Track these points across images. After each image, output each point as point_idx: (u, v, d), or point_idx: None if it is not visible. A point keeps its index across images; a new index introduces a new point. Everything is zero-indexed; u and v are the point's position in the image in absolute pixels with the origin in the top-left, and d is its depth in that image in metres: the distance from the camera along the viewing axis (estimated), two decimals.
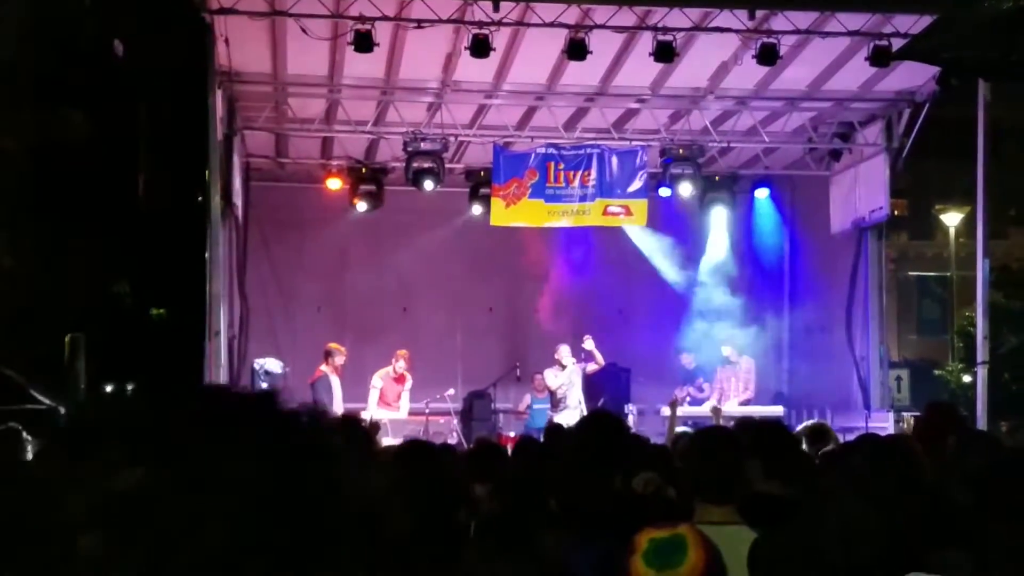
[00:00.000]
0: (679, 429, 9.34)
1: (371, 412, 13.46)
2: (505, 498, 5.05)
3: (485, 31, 12.15)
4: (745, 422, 7.71)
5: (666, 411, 14.18)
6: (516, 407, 15.45)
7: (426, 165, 14.55)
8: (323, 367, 13.85)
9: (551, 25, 12.21)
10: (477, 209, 15.46)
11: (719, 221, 16.40)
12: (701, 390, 14.92)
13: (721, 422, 10.72)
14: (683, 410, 14.19)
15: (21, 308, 17.81)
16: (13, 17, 16.75)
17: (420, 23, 12.07)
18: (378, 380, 14.17)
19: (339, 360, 13.92)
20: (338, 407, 13.61)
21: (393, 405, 14.07)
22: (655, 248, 16.75)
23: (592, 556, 3.49)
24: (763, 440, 4.97)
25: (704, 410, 13.95)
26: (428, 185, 14.63)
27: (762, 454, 4.91)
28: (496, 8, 11.96)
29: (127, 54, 18.26)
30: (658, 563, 2.57)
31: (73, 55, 17.81)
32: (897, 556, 2.47)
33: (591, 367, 14.54)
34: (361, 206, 15.38)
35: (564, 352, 14.44)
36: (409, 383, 14.21)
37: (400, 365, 14.08)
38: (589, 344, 14.57)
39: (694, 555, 2.62)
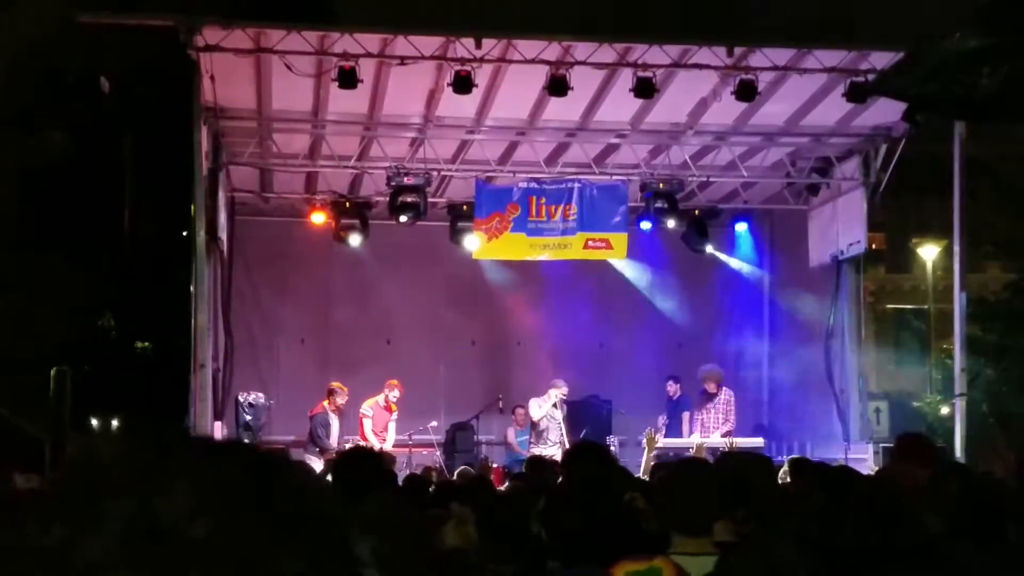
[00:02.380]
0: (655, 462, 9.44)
1: (372, 441, 13.53)
2: (494, 525, 5.14)
3: (467, 68, 12.33)
4: (727, 456, 7.83)
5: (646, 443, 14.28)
6: (502, 439, 15.51)
7: (409, 199, 14.68)
8: (324, 403, 13.95)
9: (532, 62, 12.40)
10: (460, 242, 15.59)
11: (698, 255, 16.55)
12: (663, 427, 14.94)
13: (704, 455, 10.81)
14: (663, 442, 14.29)
15: (5, 340, 17.79)
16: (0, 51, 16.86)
17: (403, 60, 12.25)
18: (368, 409, 14.25)
19: (340, 400, 14.05)
20: (333, 444, 13.68)
21: (380, 435, 14.14)
22: (636, 281, 16.91)
23: None
24: (741, 476, 5.06)
25: (684, 442, 14.04)
26: (410, 219, 14.76)
27: (739, 489, 5.01)
28: (478, 45, 12.16)
29: (113, 90, 18.37)
30: None
31: (60, 90, 17.91)
32: None
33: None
34: (345, 240, 15.49)
35: (560, 385, 14.43)
36: (395, 414, 14.30)
37: (394, 395, 14.17)
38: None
39: None
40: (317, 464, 12.62)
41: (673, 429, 14.90)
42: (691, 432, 14.68)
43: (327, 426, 13.88)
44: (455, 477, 10.46)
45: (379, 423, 14.20)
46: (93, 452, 0.83)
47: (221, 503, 0.79)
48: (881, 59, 12.82)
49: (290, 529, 0.80)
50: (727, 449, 12.73)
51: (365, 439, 13.75)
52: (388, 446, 13.92)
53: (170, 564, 0.76)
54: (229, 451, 0.85)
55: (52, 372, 12.57)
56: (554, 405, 14.37)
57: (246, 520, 0.79)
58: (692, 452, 12.23)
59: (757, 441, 14.47)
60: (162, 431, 0.87)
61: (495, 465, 13.91)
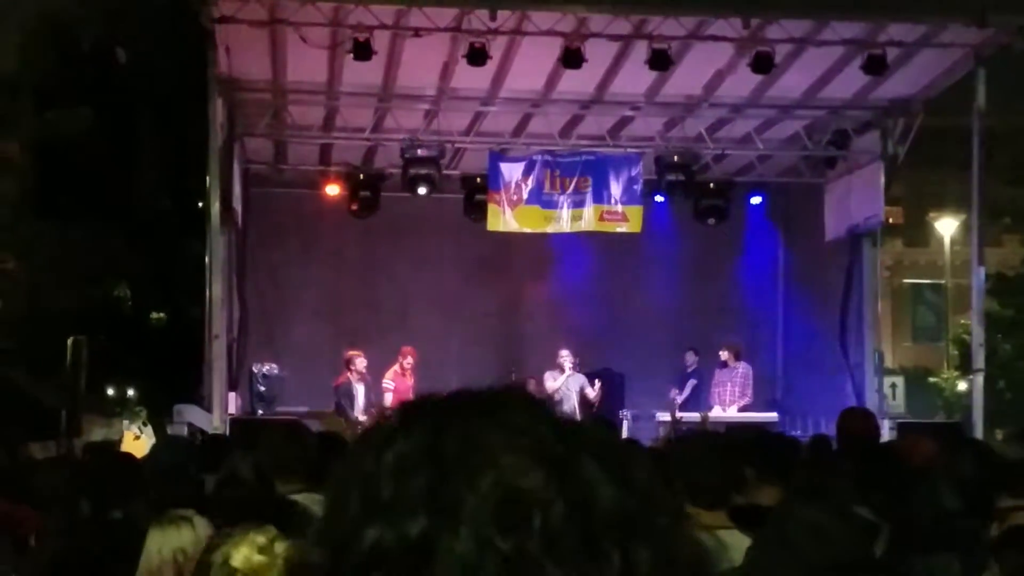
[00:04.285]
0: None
1: None
2: None
3: (482, 40, 12.26)
4: (740, 428, 7.85)
5: (662, 416, 14.30)
6: None
7: (423, 171, 14.65)
8: (347, 373, 13.99)
9: (547, 34, 12.31)
10: (474, 215, 15.56)
11: (713, 228, 16.47)
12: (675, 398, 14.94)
13: (711, 428, 10.81)
14: (680, 415, 14.30)
15: (22, 310, 17.89)
16: (17, 22, 16.86)
17: (418, 31, 12.18)
18: (389, 381, 14.29)
19: (360, 364, 14.08)
20: (359, 413, 13.72)
21: None
22: (650, 254, 16.85)
23: None
24: (760, 448, 5.05)
25: (698, 415, 14.06)
26: (424, 191, 14.74)
27: (758, 462, 4.99)
28: (493, 17, 12.08)
29: (129, 60, 18.37)
30: None
31: (75, 60, 17.92)
32: (867, 559, 2.56)
33: (590, 392, 14.51)
34: (359, 212, 15.48)
35: (565, 356, 14.50)
36: (412, 380, 14.34)
37: (408, 362, 14.21)
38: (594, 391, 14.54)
39: None
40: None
41: (688, 401, 14.90)
42: (709, 406, 14.67)
43: (351, 396, 13.91)
44: None
45: (401, 392, 14.25)
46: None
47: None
48: (899, 31, 12.70)
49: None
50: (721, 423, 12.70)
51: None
52: None
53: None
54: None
55: (69, 341, 12.66)
56: (563, 371, 14.39)
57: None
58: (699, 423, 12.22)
59: (771, 416, 14.45)
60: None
61: None
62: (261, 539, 2.81)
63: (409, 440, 0.79)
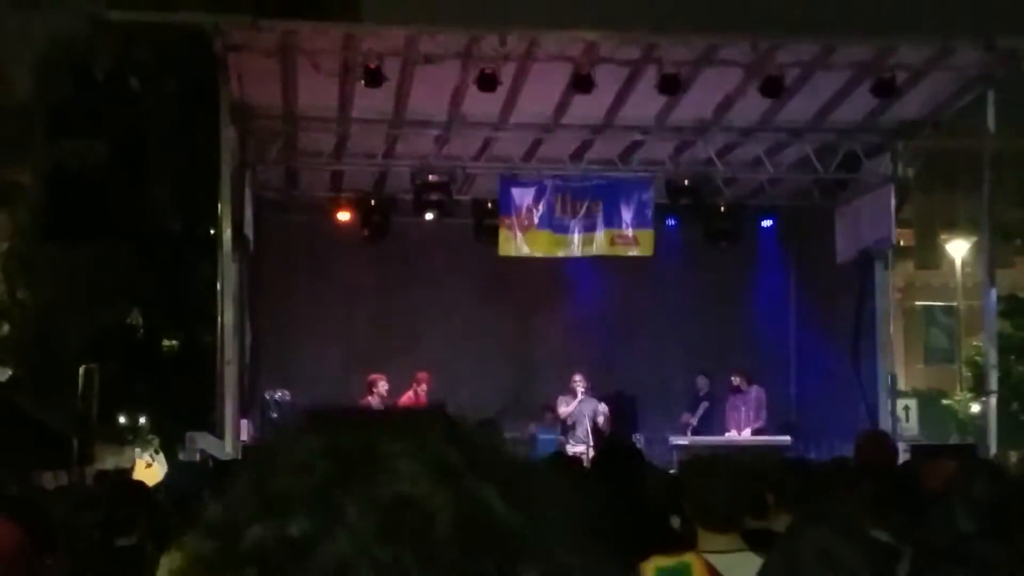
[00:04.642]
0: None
1: None
2: None
3: (492, 65, 12.32)
4: (754, 451, 7.83)
5: (675, 440, 14.26)
6: (522, 435, 15.51)
7: (434, 197, 14.69)
8: (368, 398, 14.01)
9: (557, 59, 12.37)
10: (485, 240, 15.58)
11: (724, 251, 16.46)
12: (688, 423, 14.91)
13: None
14: (693, 440, 14.26)
15: (34, 338, 17.93)
16: (31, 49, 16.99)
17: (428, 58, 12.25)
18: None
19: (382, 388, 14.12)
20: None
21: None
22: (661, 278, 16.84)
23: None
24: (781, 473, 5.04)
25: (714, 440, 14.02)
26: (435, 216, 14.78)
27: (778, 487, 4.98)
28: (503, 42, 12.15)
29: (142, 88, 18.48)
30: None
31: (89, 87, 18.03)
32: None
33: (601, 420, 14.52)
34: (370, 237, 15.52)
35: (578, 381, 14.48)
36: None
37: (422, 388, 14.24)
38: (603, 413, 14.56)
39: None
40: None
41: (701, 424, 14.87)
42: (724, 430, 14.64)
43: None
44: None
45: None
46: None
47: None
48: (907, 54, 12.73)
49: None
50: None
51: None
52: None
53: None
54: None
55: (80, 370, 12.69)
56: (576, 395, 14.37)
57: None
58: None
59: (784, 439, 14.40)
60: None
61: None
62: None
63: (306, 442, 0.80)
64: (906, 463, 6.90)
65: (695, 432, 14.67)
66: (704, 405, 15.16)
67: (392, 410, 0.86)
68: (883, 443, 6.22)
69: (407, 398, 14.36)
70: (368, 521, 0.75)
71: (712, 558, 3.55)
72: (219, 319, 13.31)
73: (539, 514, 0.78)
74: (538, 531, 0.77)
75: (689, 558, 2.86)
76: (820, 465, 7.01)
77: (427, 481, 0.76)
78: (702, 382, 15.32)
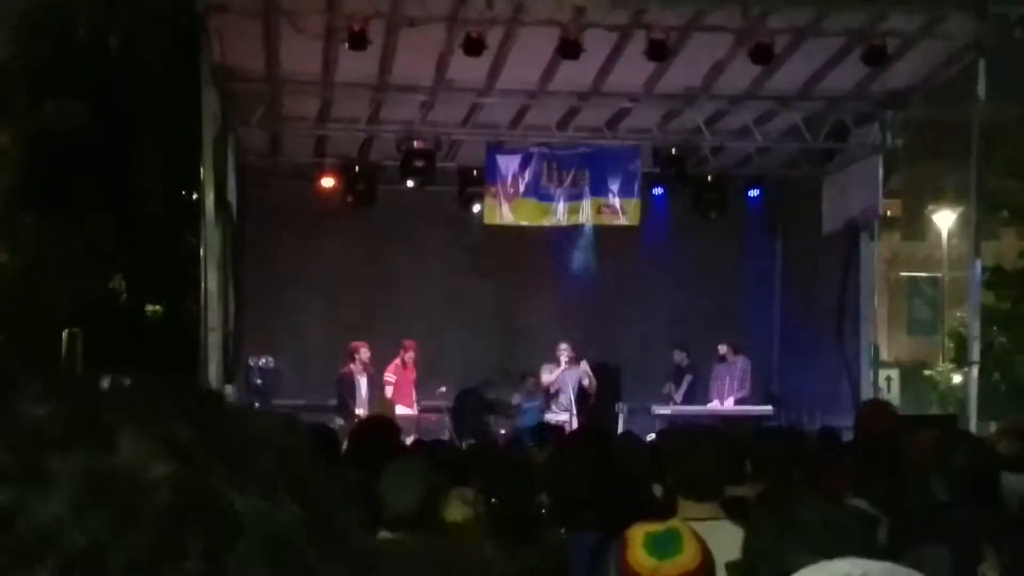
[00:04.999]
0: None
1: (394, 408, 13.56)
2: (499, 493, 5.10)
3: (478, 29, 12.19)
4: (736, 421, 7.83)
5: (657, 410, 14.28)
6: (507, 404, 15.51)
7: (419, 163, 14.60)
8: (351, 365, 13.97)
9: (544, 23, 12.25)
10: (470, 207, 15.50)
11: (711, 220, 16.42)
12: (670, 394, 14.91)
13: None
14: (674, 410, 14.29)
15: (16, 304, 17.82)
16: (10, 11, 16.76)
17: (413, 21, 12.11)
18: (390, 375, 14.28)
19: (364, 355, 14.06)
20: (361, 406, 13.68)
21: (407, 401, 14.17)
22: (647, 247, 16.80)
23: (584, 546, 3.55)
24: (759, 443, 5.04)
25: (694, 410, 14.04)
26: (420, 183, 14.69)
27: (756, 456, 4.97)
28: (489, 6, 12.00)
29: (122, 50, 18.27)
30: (659, 553, 2.64)
31: (67, 50, 17.82)
32: (876, 547, 2.53)
33: (586, 381, 14.51)
34: (355, 204, 15.42)
35: (563, 349, 14.46)
36: (415, 374, 14.35)
37: (409, 356, 14.21)
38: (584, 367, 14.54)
39: (691, 545, 2.69)
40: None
41: (685, 397, 14.89)
42: (708, 399, 14.67)
43: (353, 387, 13.89)
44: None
45: (403, 385, 14.25)
46: (26, 412, 0.78)
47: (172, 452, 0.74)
48: (899, 21, 12.64)
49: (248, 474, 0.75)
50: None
51: (389, 404, 13.75)
52: (415, 409, 14.07)
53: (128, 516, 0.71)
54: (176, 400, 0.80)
55: (64, 334, 12.61)
56: (560, 364, 14.35)
57: (201, 465, 0.74)
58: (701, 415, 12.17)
59: (766, 409, 14.43)
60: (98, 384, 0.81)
61: (502, 432, 13.92)
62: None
63: (42, 408, 0.77)
64: (889, 434, 6.89)
65: (679, 405, 14.69)
66: (688, 379, 15.15)
67: (143, 383, 0.82)
68: (885, 412, 6.23)
69: (394, 366, 14.32)
70: (80, 491, 0.71)
71: (692, 526, 3.53)
72: (202, 285, 13.22)
73: (266, 494, 0.75)
74: (261, 511, 0.74)
75: (677, 524, 2.85)
76: (801, 435, 7.01)
77: (149, 454, 0.73)
78: (679, 356, 15.32)
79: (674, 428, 7.66)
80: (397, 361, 14.33)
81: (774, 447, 5.39)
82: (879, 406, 6.68)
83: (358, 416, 13.04)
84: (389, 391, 14.16)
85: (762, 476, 4.87)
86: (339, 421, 13.21)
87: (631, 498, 4.48)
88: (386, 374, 14.25)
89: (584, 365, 14.51)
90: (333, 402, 14.11)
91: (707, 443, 3.99)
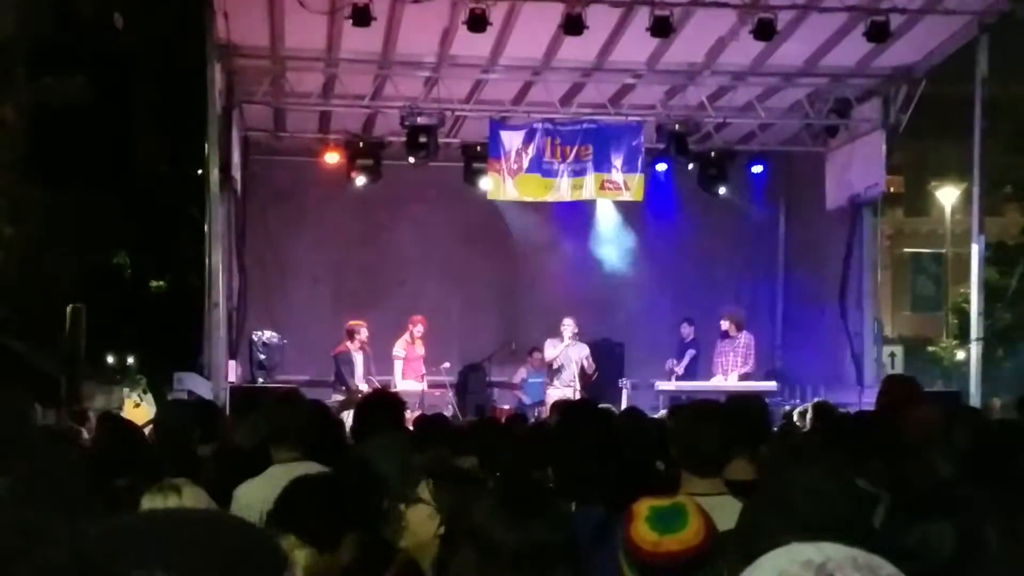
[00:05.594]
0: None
1: (398, 385, 13.61)
2: (502, 468, 5.16)
3: (482, 5, 12.17)
4: (740, 397, 7.87)
5: (661, 385, 14.33)
6: (511, 380, 15.57)
7: (423, 139, 14.59)
8: (347, 343, 14.01)
9: (548, 0, 12.23)
10: (474, 183, 15.52)
11: (714, 196, 16.44)
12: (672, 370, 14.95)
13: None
14: (678, 385, 14.33)
15: (21, 278, 17.87)
16: None
17: None
18: (400, 350, 14.32)
19: (363, 335, 14.08)
20: (358, 383, 13.73)
21: (416, 376, 14.21)
22: (650, 223, 16.83)
23: (589, 521, 3.59)
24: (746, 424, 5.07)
25: (699, 385, 14.08)
26: (424, 159, 14.69)
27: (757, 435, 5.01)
28: None
29: (127, 26, 18.25)
30: (662, 527, 2.66)
31: (73, 25, 17.81)
32: (867, 524, 2.57)
33: (588, 365, 14.55)
34: (358, 180, 15.44)
35: (567, 325, 14.49)
36: (422, 349, 14.38)
37: (418, 330, 14.24)
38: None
39: (695, 521, 2.71)
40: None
41: (687, 371, 14.93)
42: (711, 375, 14.70)
43: (351, 364, 13.93)
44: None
45: (411, 360, 14.29)
46: None
47: None
48: None
49: None
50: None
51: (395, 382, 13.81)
52: (425, 384, 14.12)
53: None
54: None
55: (68, 309, 12.66)
56: (563, 339, 14.39)
57: None
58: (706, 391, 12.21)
59: (770, 385, 14.48)
60: None
61: (506, 407, 13.99)
62: None
63: None
64: (889, 409, 6.93)
65: (681, 378, 14.73)
66: (690, 353, 15.20)
67: None
68: (908, 384, 6.24)
69: (403, 343, 14.36)
70: None
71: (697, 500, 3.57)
72: (206, 261, 13.26)
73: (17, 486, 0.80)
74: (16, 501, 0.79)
75: (682, 499, 2.87)
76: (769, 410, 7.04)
77: None
78: (686, 329, 15.36)
79: (682, 404, 7.72)
80: (406, 336, 14.36)
81: (749, 422, 5.41)
82: (903, 378, 6.65)
83: (360, 392, 13.12)
84: (399, 366, 14.21)
85: (766, 453, 4.90)
86: (337, 397, 13.29)
87: (635, 473, 4.53)
88: (395, 349, 14.31)
89: (584, 348, 14.55)
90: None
91: (711, 418, 4.02)
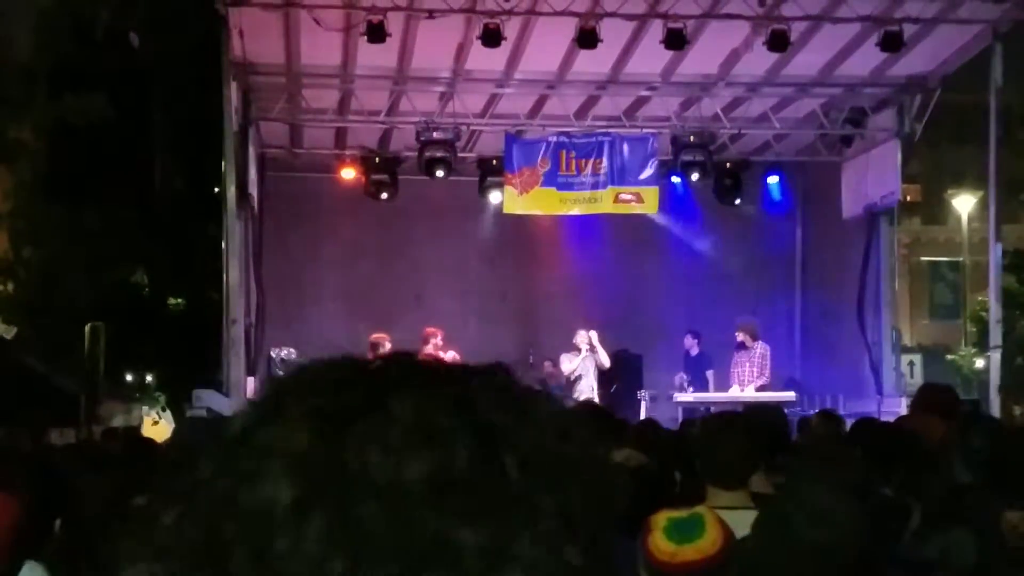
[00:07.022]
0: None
1: None
2: None
3: (496, 20, 12.24)
4: (758, 408, 7.86)
5: (680, 397, 14.29)
6: None
7: (438, 154, 14.64)
8: (371, 357, 13.92)
9: (561, 14, 12.28)
10: (489, 198, 15.55)
11: (730, 207, 16.44)
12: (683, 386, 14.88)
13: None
14: (691, 396, 14.29)
15: (40, 297, 17.97)
16: (31, 7, 16.89)
17: (432, 13, 12.16)
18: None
19: (386, 348, 14.00)
20: None
21: None
22: (667, 235, 16.83)
23: None
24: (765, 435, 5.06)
25: (712, 397, 14.05)
26: (440, 174, 14.74)
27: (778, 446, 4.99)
28: None
29: (143, 45, 18.39)
30: (678, 537, 2.66)
31: (90, 45, 17.95)
32: (868, 540, 2.57)
33: (598, 360, 14.55)
34: (375, 195, 15.49)
35: (582, 337, 14.49)
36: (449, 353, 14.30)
37: (438, 341, 14.12)
38: (594, 339, 14.57)
39: (713, 531, 2.70)
40: None
41: (696, 385, 14.86)
42: (729, 386, 14.66)
43: None
44: None
45: None
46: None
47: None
48: (916, 7, 12.61)
49: None
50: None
51: None
52: None
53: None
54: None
55: (87, 328, 12.74)
56: (580, 352, 14.37)
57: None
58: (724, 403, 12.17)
59: (789, 395, 14.43)
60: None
61: None
62: None
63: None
64: (902, 419, 6.92)
65: (696, 390, 14.68)
66: (710, 374, 15.06)
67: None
68: (944, 390, 6.20)
69: (424, 355, 14.31)
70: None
71: (719, 514, 3.57)
72: (224, 278, 13.32)
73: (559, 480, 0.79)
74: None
75: (701, 510, 2.87)
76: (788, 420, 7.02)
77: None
78: (689, 341, 15.29)
79: (707, 416, 7.70)
80: (429, 347, 14.31)
81: (764, 434, 5.40)
82: (939, 385, 6.58)
83: None
84: None
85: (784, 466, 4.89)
86: None
87: (655, 485, 4.53)
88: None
89: (601, 354, 14.49)
90: None
91: (735, 430, 4.01)
